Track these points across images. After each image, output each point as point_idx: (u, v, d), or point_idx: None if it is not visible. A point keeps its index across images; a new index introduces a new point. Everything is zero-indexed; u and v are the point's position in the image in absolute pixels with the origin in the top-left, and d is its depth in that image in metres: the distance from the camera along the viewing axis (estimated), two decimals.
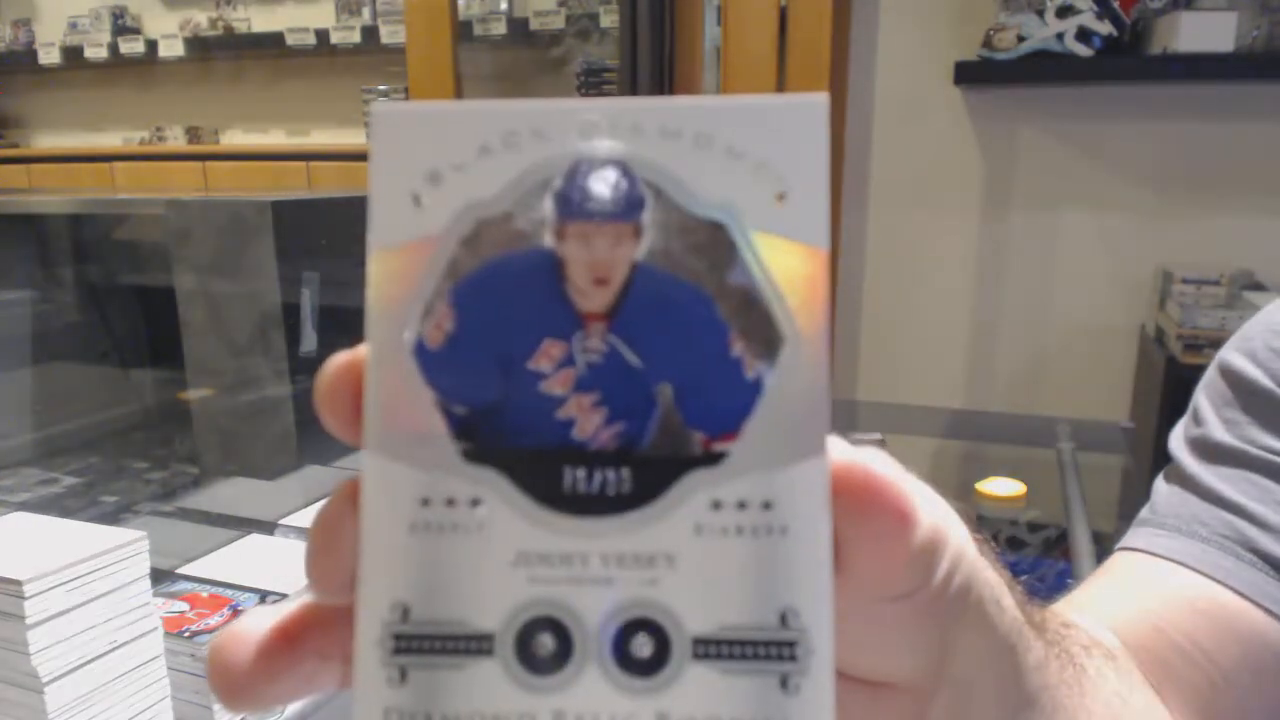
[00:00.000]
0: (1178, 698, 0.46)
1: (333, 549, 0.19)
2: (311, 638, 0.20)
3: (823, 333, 0.19)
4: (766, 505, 0.18)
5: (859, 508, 0.19)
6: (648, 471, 0.19)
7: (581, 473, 0.19)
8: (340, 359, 0.19)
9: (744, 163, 0.19)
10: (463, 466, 0.19)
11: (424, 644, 0.18)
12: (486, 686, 0.18)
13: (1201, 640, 0.47)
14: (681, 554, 0.18)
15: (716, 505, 0.19)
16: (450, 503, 0.19)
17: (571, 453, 0.19)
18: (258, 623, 0.20)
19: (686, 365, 0.19)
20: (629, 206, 0.19)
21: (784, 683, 0.18)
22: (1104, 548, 1.24)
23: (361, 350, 0.19)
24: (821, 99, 0.19)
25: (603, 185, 0.19)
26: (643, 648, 0.18)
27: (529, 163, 0.19)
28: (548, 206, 0.19)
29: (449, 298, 0.19)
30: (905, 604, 0.23)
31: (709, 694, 0.18)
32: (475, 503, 0.19)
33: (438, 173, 0.19)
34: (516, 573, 0.19)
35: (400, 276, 0.19)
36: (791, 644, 0.18)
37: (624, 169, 0.19)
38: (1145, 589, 0.50)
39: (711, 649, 0.18)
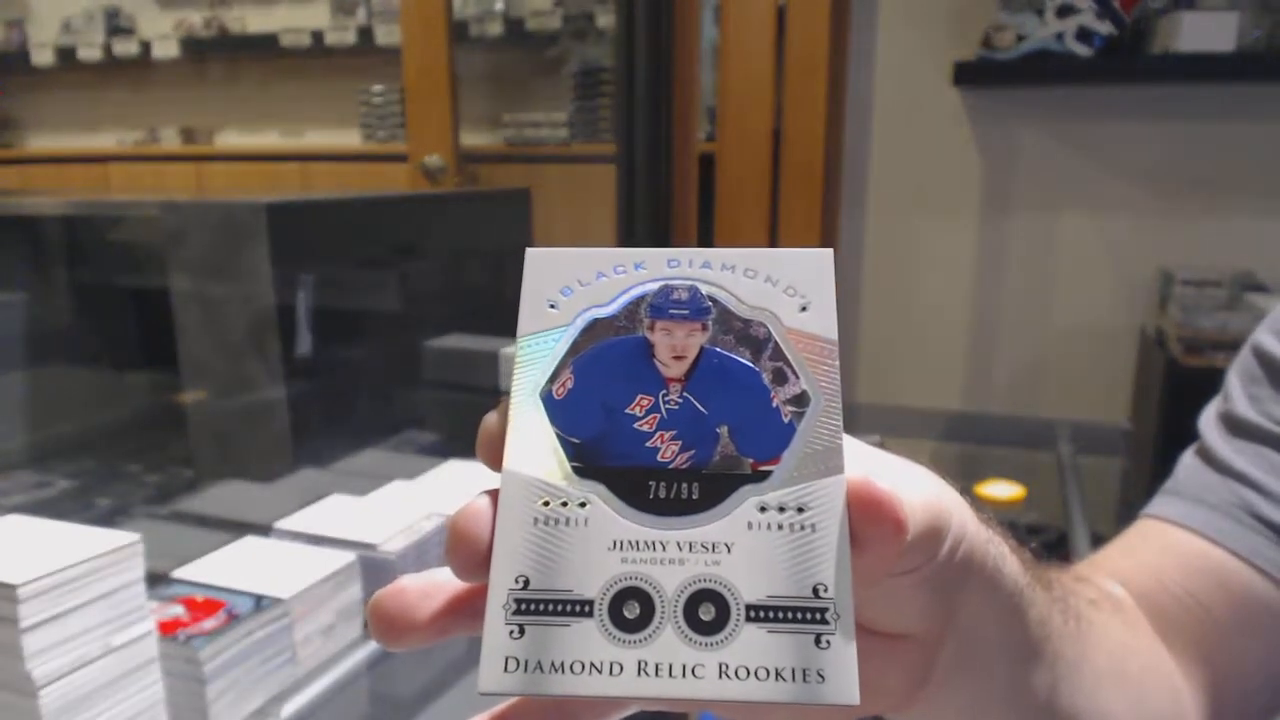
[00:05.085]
0: (1177, 643, 0.52)
1: (472, 537, 0.25)
2: (468, 608, 0.26)
3: (837, 393, 0.26)
4: (800, 509, 0.25)
5: (866, 515, 0.24)
6: (711, 485, 0.25)
7: (663, 484, 0.25)
8: (490, 416, 0.27)
9: (779, 287, 0.28)
10: (575, 479, 0.25)
11: (539, 607, 0.24)
12: (586, 641, 0.24)
13: (1198, 593, 0.52)
14: (737, 543, 0.25)
15: (763, 509, 0.25)
16: (564, 504, 0.25)
17: (656, 471, 0.26)
18: (425, 587, 0.26)
19: (739, 413, 0.26)
20: (699, 311, 0.27)
21: (818, 640, 0.23)
22: None
23: (504, 403, 0.27)
24: (829, 251, 0.28)
25: (682, 298, 0.28)
26: (708, 612, 0.24)
27: (632, 283, 0.28)
28: (644, 310, 0.27)
29: (571, 367, 0.27)
30: (915, 576, 0.29)
31: (760, 649, 0.23)
32: (583, 504, 0.25)
33: (569, 288, 0.28)
34: (612, 555, 0.24)
35: (536, 353, 0.27)
36: (823, 610, 0.24)
37: (696, 289, 0.28)
38: (1150, 548, 0.55)
39: (761, 614, 0.24)
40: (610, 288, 0.28)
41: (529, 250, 0.29)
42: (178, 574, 0.93)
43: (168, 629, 0.83)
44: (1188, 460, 0.59)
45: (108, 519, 1.25)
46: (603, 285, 0.28)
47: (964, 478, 2.06)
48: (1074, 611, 0.41)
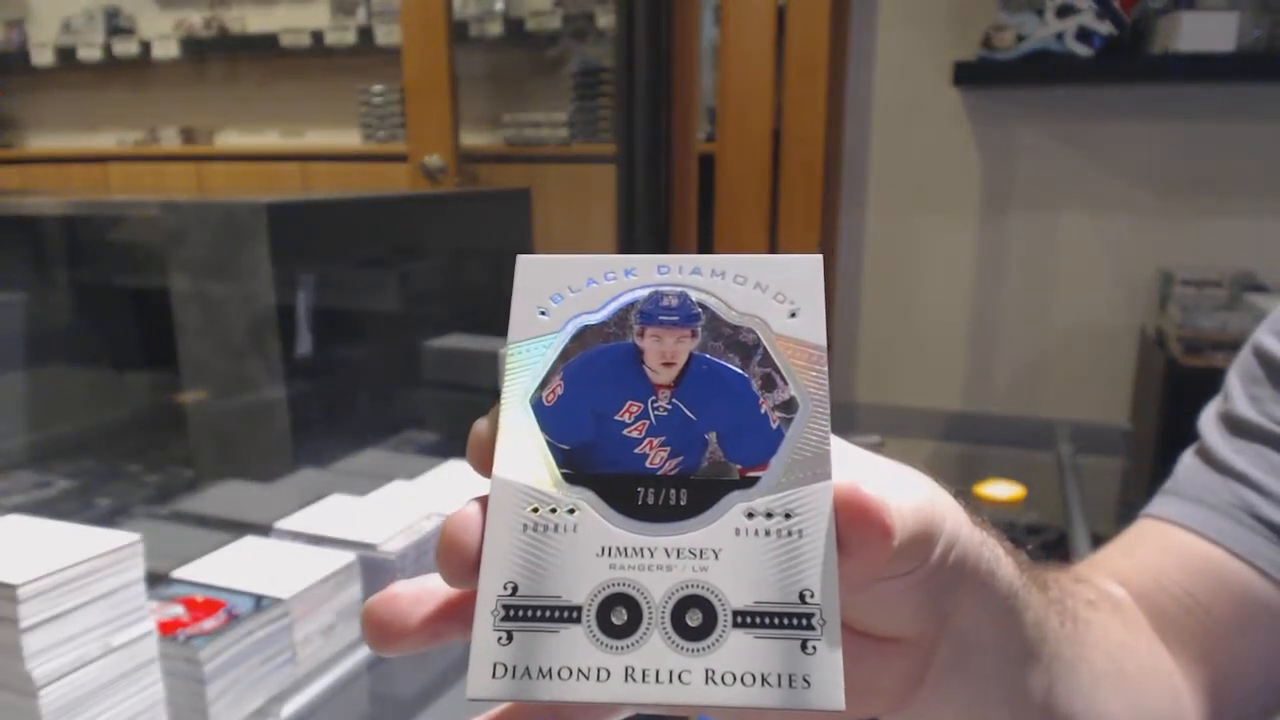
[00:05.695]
0: (1176, 643, 0.52)
1: (461, 544, 0.25)
2: (460, 613, 0.26)
3: (825, 399, 0.26)
4: (787, 515, 0.25)
5: (852, 520, 0.24)
6: (699, 491, 0.25)
7: (651, 491, 0.25)
8: (481, 422, 0.27)
9: (768, 293, 0.28)
10: (564, 486, 0.26)
11: (527, 613, 0.24)
12: (573, 647, 0.24)
13: (1198, 594, 0.52)
14: (724, 549, 0.25)
15: (750, 515, 0.25)
16: (553, 510, 0.25)
17: (644, 477, 0.26)
18: (418, 593, 0.26)
19: (727, 419, 0.26)
20: (688, 318, 0.27)
21: (804, 646, 0.23)
22: None
23: (495, 409, 0.27)
24: (818, 257, 0.28)
25: (671, 304, 0.28)
26: (695, 618, 0.24)
27: (622, 289, 0.28)
28: (633, 317, 0.27)
29: (561, 373, 0.27)
30: (907, 580, 0.29)
31: (746, 654, 0.23)
32: (571, 510, 0.25)
33: (559, 294, 0.28)
34: (600, 561, 0.25)
35: (526, 359, 0.27)
36: (809, 616, 0.24)
37: (685, 295, 0.28)
38: (1150, 548, 0.55)
39: (748, 619, 0.24)
40: (600, 294, 0.28)
41: (520, 257, 0.29)
42: (178, 574, 0.93)
43: (168, 629, 0.83)
44: (1187, 460, 0.59)
45: (108, 519, 1.25)
46: (593, 292, 0.28)
47: (964, 478, 2.06)
48: (1071, 612, 0.41)
